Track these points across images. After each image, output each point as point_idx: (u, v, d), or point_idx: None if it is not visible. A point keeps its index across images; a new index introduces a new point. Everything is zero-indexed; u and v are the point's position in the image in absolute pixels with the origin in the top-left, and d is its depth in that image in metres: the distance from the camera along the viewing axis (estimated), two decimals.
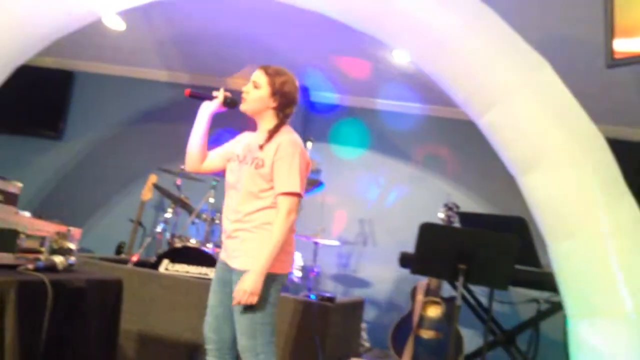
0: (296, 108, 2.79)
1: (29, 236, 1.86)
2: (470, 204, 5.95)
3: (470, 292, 4.90)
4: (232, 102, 2.77)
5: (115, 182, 6.81)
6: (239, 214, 2.60)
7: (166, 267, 4.45)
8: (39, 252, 1.91)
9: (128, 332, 3.83)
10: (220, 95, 2.76)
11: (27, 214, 2.09)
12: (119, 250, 6.08)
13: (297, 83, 2.77)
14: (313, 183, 5.14)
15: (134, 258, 4.86)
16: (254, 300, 2.43)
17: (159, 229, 5.40)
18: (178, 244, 4.79)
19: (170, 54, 6.47)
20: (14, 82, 4.57)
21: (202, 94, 2.79)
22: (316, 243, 5.07)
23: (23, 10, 3.90)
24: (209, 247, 4.62)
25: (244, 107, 2.71)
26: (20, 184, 1.84)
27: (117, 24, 5.79)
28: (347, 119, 6.65)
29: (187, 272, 4.40)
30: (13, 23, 3.88)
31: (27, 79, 5.07)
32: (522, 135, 3.28)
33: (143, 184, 5.74)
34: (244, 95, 2.70)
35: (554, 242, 3.16)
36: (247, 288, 2.42)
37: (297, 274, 4.94)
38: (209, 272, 4.39)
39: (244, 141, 2.80)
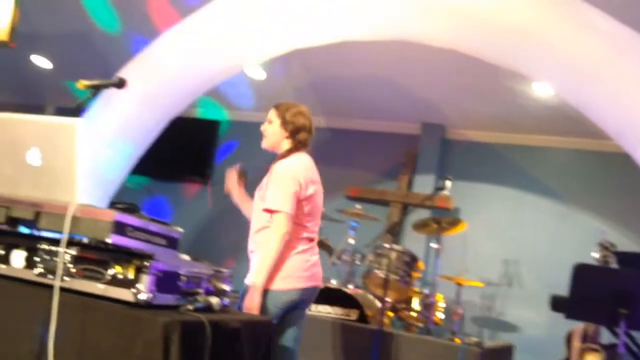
0: (310, 136, 2.93)
1: (188, 278, 1.96)
2: (627, 243, 5.50)
3: (632, 339, 4.49)
4: (244, 171, 3.06)
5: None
6: (252, 234, 2.89)
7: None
8: (197, 293, 2.00)
9: None
10: (233, 175, 3.04)
11: (186, 256, 2.22)
12: None
13: (309, 114, 2.94)
14: (453, 222, 5.02)
15: None
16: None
17: None
18: None
19: (308, 99, 6.67)
20: (167, 132, 4.96)
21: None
22: (459, 284, 4.92)
23: (179, 66, 4.24)
24: (350, 288, 4.63)
25: (264, 144, 2.95)
26: (180, 229, 1.96)
27: (258, 74, 6.11)
28: (487, 156, 6.47)
29: (329, 313, 4.43)
30: (171, 79, 4.24)
31: (178, 129, 5.44)
32: None
33: None
34: (263, 133, 2.95)
35: None
36: (246, 303, 2.65)
37: (439, 315, 4.81)
38: (351, 314, 4.40)
39: None
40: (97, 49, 6.27)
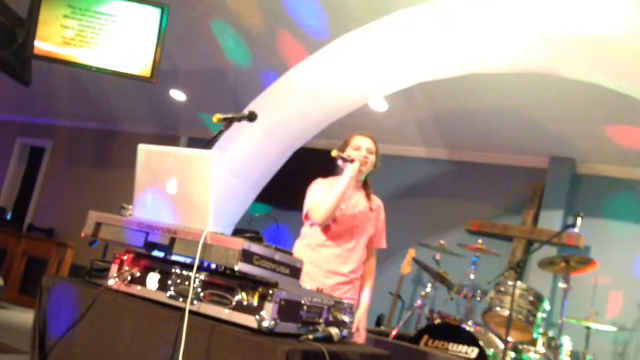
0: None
1: (309, 308, 2.00)
2: None
3: None
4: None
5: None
6: (357, 259, 3.10)
7: (426, 342, 4.42)
8: (318, 323, 2.04)
9: None
10: (357, 162, 2.94)
11: (307, 286, 2.27)
12: (379, 322, 6.23)
13: None
14: (583, 262, 4.74)
15: (394, 332, 4.93)
16: None
17: (418, 303, 5.43)
18: (437, 320, 4.75)
19: (430, 132, 6.65)
20: (288, 161, 5.10)
21: (346, 157, 2.96)
22: (588, 328, 4.63)
23: (306, 100, 4.37)
24: (469, 325, 4.49)
25: (364, 170, 3.00)
26: (303, 260, 2.01)
27: (380, 106, 6.16)
28: (620, 192, 6.07)
29: (447, 349, 4.32)
30: (297, 112, 4.38)
31: (298, 159, 5.53)
32: None
33: (403, 258, 5.86)
34: (366, 160, 2.97)
35: None
36: (366, 326, 3.08)
37: None
38: (469, 351, 4.25)
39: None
40: (228, 84, 6.63)
